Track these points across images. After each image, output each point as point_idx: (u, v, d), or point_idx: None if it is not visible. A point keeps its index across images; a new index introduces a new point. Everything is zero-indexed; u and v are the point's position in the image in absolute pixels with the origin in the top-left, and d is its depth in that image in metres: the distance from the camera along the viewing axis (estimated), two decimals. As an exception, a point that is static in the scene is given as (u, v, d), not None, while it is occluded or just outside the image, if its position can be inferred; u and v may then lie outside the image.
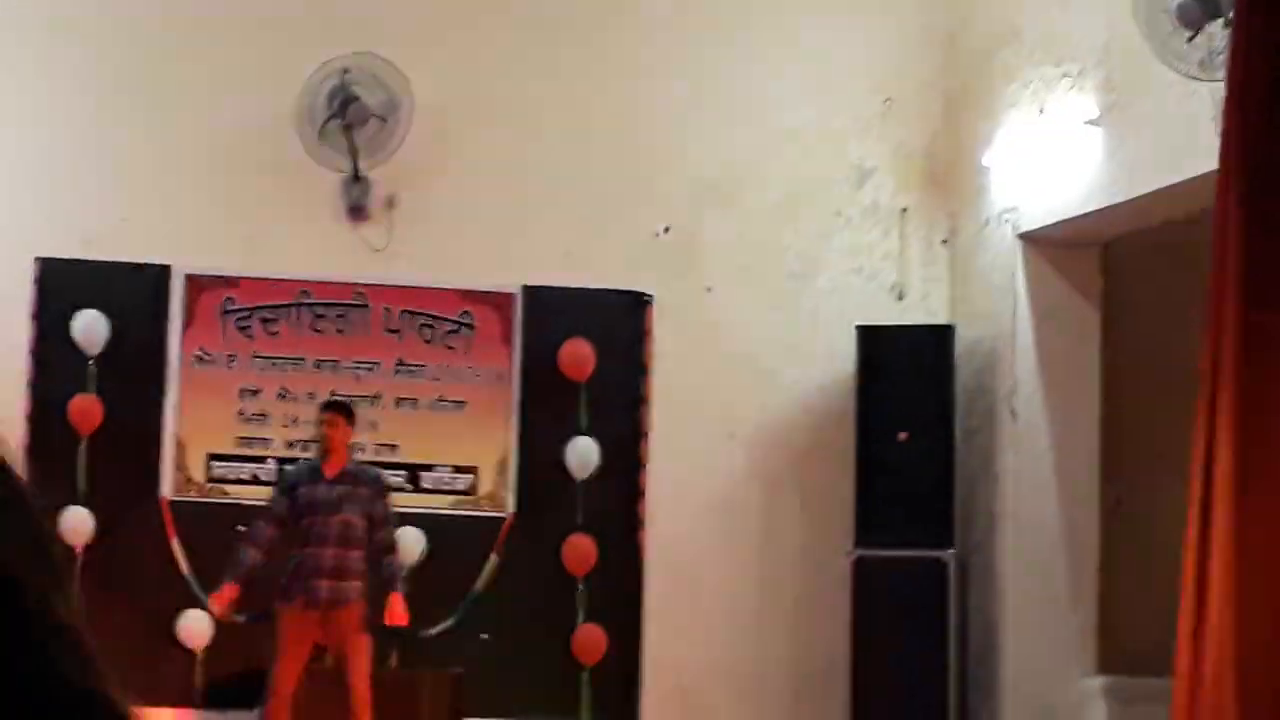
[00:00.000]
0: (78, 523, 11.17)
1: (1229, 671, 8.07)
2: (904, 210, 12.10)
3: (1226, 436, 8.13)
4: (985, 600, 11.29)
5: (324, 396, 11.55)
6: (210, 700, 11.29)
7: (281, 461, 11.41)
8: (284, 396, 11.55)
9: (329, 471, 9.34)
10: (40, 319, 11.39)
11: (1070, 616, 11.16)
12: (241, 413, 11.52)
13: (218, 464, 11.46)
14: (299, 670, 8.92)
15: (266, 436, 11.51)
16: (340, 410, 9.55)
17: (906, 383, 11.31)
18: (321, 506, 9.27)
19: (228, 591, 9.17)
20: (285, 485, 9.54)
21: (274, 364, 11.58)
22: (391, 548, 9.42)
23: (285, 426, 11.52)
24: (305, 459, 10.38)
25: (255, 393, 11.54)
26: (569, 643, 11.55)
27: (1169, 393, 11.45)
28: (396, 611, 9.29)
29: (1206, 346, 8.35)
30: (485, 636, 11.31)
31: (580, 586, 11.59)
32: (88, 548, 11.17)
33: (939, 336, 11.41)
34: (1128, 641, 11.40)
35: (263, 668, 10.94)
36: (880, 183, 12.12)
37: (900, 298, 12.01)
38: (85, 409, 11.29)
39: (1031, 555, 11.13)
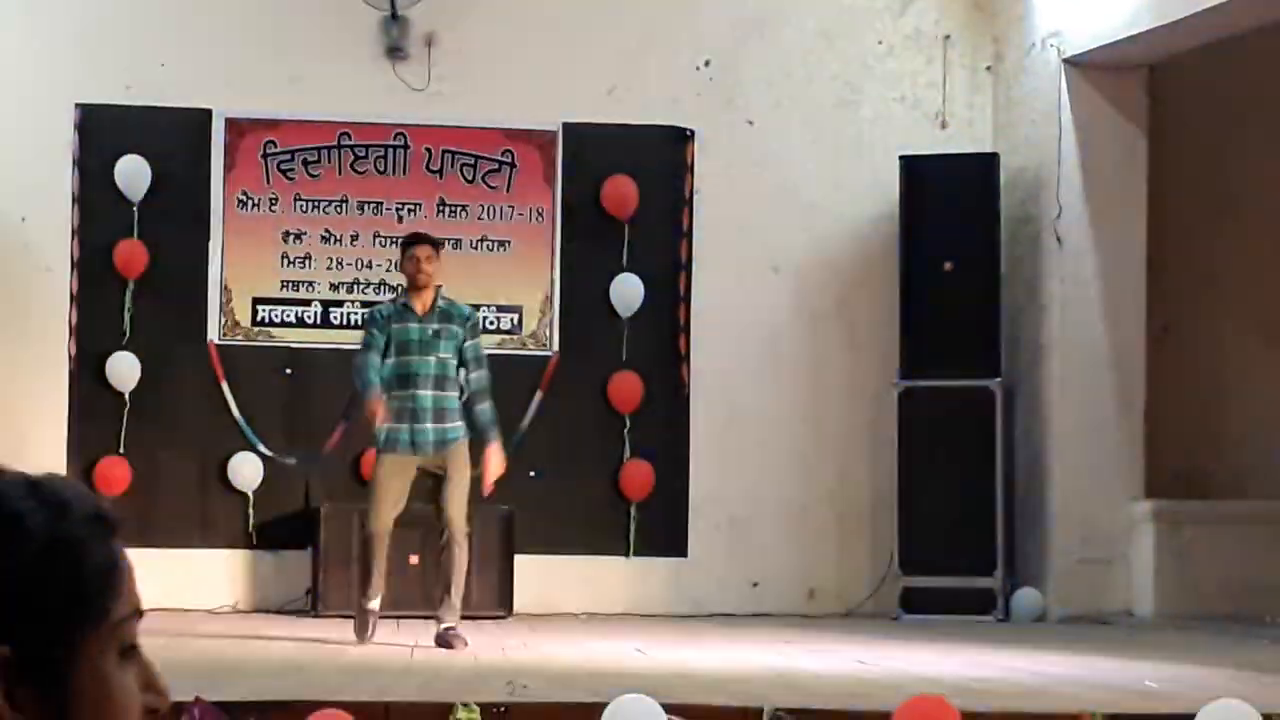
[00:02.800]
0: (125, 367, 11.25)
1: None
2: (947, 37, 11.98)
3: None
4: (1032, 428, 11.29)
5: (366, 238, 11.57)
6: (262, 541, 11.40)
7: (326, 304, 11.46)
8: (327, 239, 11.55)
9: (420, 308, 8.96)
10: (83, 166, 11.41)
11: (1116, 443, 11.16)
12: (285, 256, 11.53)
13: (263, 307, 11.50)
14: (396, 509, 8.79)
15: (311, 279, 11.53)
16: (429, 242, 9.14)
17: (951, 212, 11.24)
18: (416, 346, 8.90)
19: (376, 403, 8.82)
20: (379, 319, 9.09)
21: (316, 206, 11.58)
22: (485, 391, 9.10)
23: (329, 269, 11.54)
24: (390, 299, 9.80)
25: (298, 236, 11.55)
26: (616, 479, 11.61)
27: (1215, 216, 11.39)
28: (493, 464, 9.00)
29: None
30: (534, 474, 11.36)
31: (627, 423, 11.63)
32: (135, 392, 11.25)
33: (983, 164, 11.33)
34: (1174, 466, 11.42)
35: (313, 508, 11.06)
36: (922, 10, 11.99)
37: (944, 126, 11.92)
38: (130, 254, 11.33)
39: (1077, 382, 11.12)
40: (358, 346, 9.40)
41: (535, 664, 7.63)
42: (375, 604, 8.81)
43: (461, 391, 9.09)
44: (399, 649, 8.52)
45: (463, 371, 9.05)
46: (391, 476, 8.80)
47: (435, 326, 8.91)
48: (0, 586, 1.53)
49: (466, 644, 8.56)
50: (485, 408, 8.96)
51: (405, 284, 9.17)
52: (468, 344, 9.00)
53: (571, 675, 7.13)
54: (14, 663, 1.53)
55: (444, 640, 8.63)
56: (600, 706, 5.53)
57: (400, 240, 9.51)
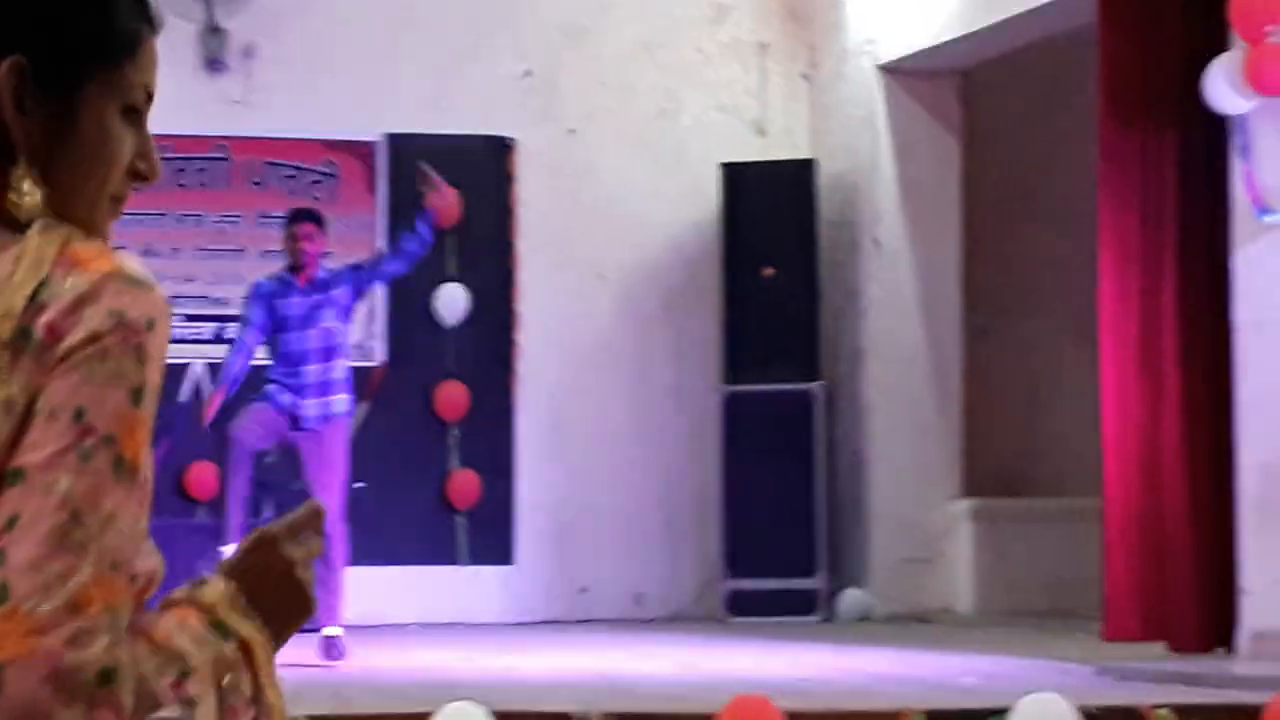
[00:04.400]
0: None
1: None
2: (763, 46, 12.12)
3: (1123, 253, 8.28)
4: (853, 430, 11.47)
5: (187, 252, 11.49)
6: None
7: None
8: (148, 253, 11.45)
9: (301, 282, 8.82)
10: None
11: (936, 443, 11.37)
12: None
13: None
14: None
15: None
16: (314, 219, 9.02)
17: (770, 218, 11.39)
18: (296, 321, 8.79)
19: (215, 399, 8.76)
20: (258, 294, 8.94)
21: (138, 220, 11.47)
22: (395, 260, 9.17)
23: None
24: (272, 276, 9.42)
25: (119, 248, 11.41)
26: (444, 488, 11.63)
27: (1027, 219, 11.64)
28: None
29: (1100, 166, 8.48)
30: (361, 485, 11.33)
31: (453, 432, 11.65)
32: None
33: (801, 171, 11.50)
34: (992, 465, 11.65)
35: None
36: (739, 19, 12.12)
37: (762, 133, 12.07)
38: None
39: (896, 384, 11.31)
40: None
41: (362, 676, 7.65)
42: None
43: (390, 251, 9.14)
44: None
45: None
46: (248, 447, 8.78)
47: (317, 298, 8.84)
48: (45, 10, 1.71)
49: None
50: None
51: (288, 260, 9.07)
52: (362, 276, 9.02)
53: (399, 686, 7.16)
54: (28, 74, 1.69)
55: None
56: (427, 715, 5.57)
57: (286, 217, 9.42)
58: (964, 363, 11.44)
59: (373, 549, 11.25)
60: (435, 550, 11.61)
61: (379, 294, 11.60)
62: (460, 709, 5.59)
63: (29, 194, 1.71)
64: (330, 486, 8.72)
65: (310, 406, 8.74)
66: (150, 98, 1.84)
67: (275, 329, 8.81)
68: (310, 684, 7.14)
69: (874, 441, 11.33)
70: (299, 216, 9.06)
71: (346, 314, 8.98)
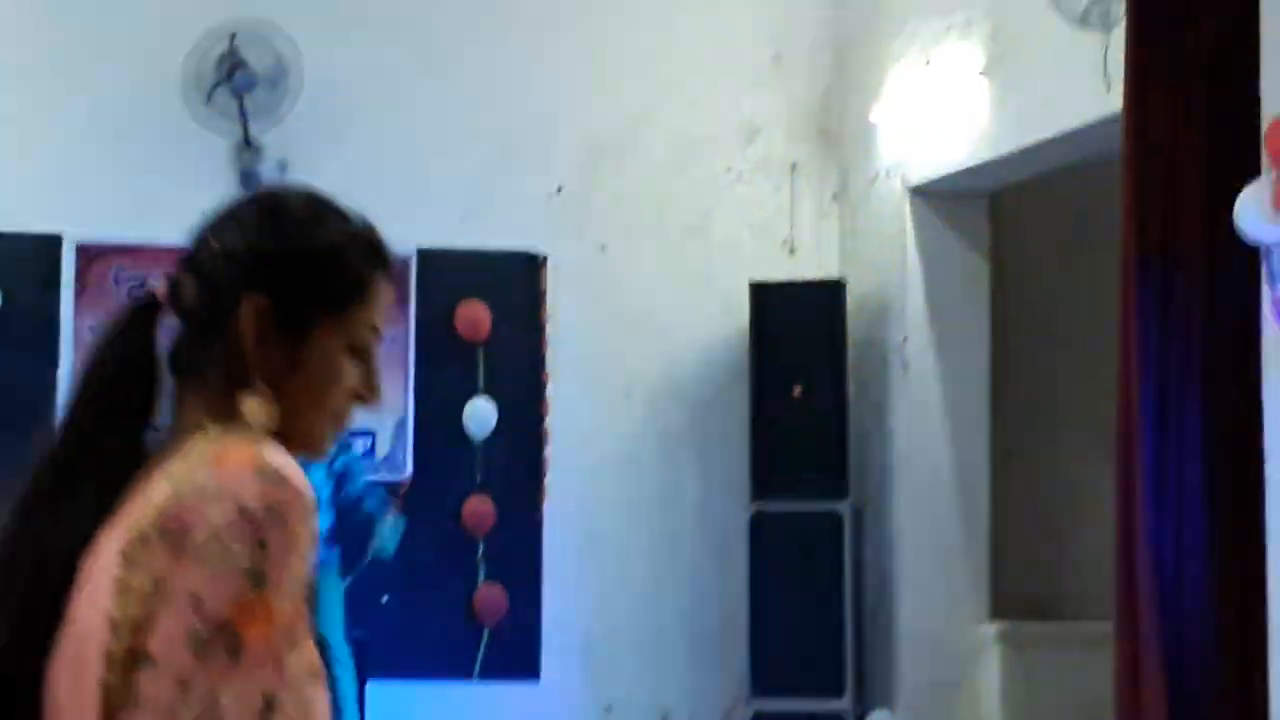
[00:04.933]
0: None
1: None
2: (794, 165, 12.18)
3: (1146, 385, 8.24)
4: (881, 551, 11.42)
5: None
6: None
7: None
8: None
9: None
10: (-70, 290, 11.31)
11: (963, 565, 11.32)
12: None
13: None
14: None
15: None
16: None
17: (800, 338, 11.41)
18: None
19: None
20: None
21: (168, 331, 11.54)
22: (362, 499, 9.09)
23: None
24: None
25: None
26: (470, 603, 11.60)
27: (1057, 344, 11.64)
28: None
29: (1121, 295, 8.45)
30: (386, 599, 11.33)
31: (480, 547, 11.64)
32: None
33: (831, 291, 11.51)
34: (1019, 588, 11.58)
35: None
36: (770, 137, 12.19)
37: (792, 252, 12.10)
38: (-23, 381, 11.21)
39: (925, 506, 11.27)
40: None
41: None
42: None
43: None
44: None
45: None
46: None
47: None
48: (279, 254, 2.05)
49: None
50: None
51: None
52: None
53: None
54: (269, 312, 2.01)
55: None
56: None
57: None
58: (992, 484, 11.40)
59: (397, 663, 11.24)
60: (460, 664, 11.57)
61: (409, 407, 11.63)
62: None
63: (255, 414, 1.98)
64: None
65: None
66: (378, 333, 2.15)
67: None
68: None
69: (902, 563, 11.28)
70: None
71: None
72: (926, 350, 11.31)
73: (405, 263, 11.68)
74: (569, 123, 12.01)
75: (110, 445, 2.00)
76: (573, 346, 11.86)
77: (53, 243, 11.41)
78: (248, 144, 11.60)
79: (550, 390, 11.85)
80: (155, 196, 11.55)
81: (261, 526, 1.81)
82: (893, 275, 11.44)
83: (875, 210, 11.69)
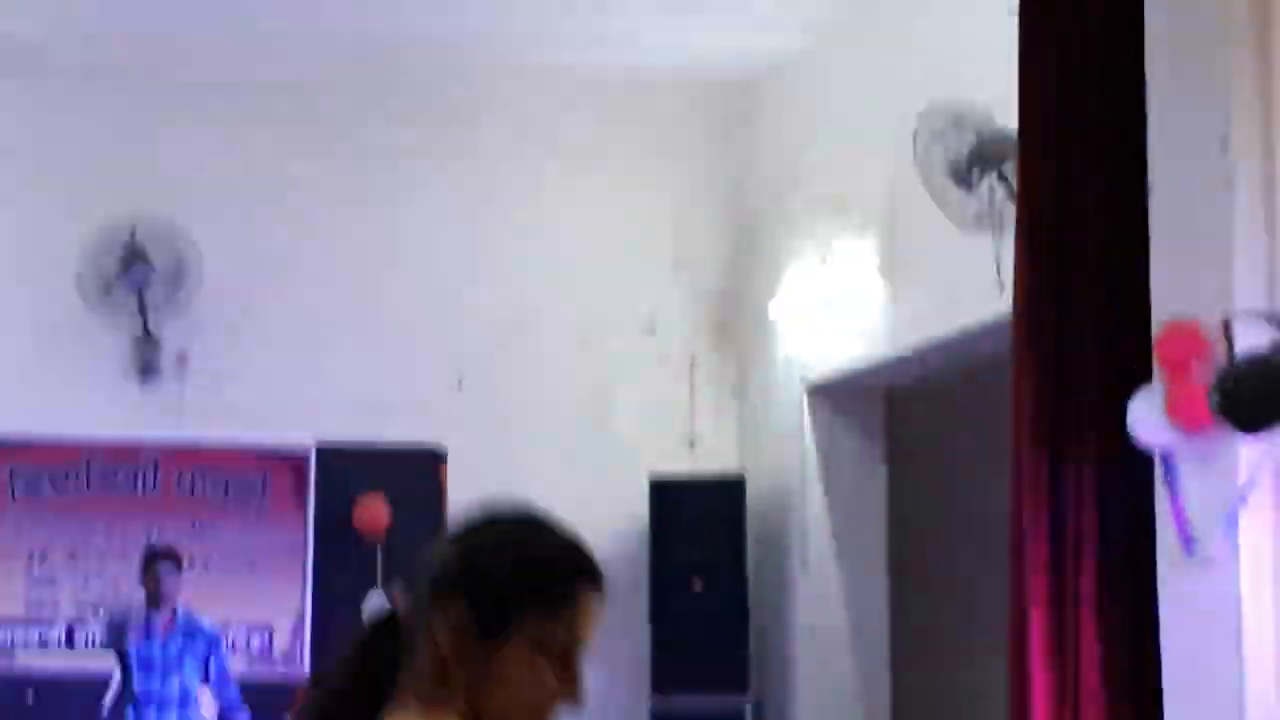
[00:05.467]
0: None
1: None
2: (694, 359, 12.27)
3: (1040, 587, 8.25)
4: (783, 750, 11.37)
5: (113, 557, 11.41)
6: None
7: (70, 626, 11.27)
8: (74, 558, 11.39)
9: (162, 625, 8.74)
10: None
11: (864, 763, 11.27)
12: (30, 576, 11.34)
13: (4, 627, 11.26)
14: None
15: (56, 600, 11.34)
16: (172, 559, 9.00)
17: (699, 533, 11.43)
18: (159, 666, 8.71)
19: None
20: (116, 637, 8.85)
21: (63, 526, 11.43)
22: (238, 706, 8.91)
23: (76, 589, 11.36)
24: (127, 612, 9.74)
25: (44, 556, 11.37)
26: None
27: (955, 537, 11.69)
28: None
29: (1012, 494, 8.48)
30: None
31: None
32: None
33: (730, 487, 11.55)
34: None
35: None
36: (669, 332, 12.28)
37: (692, 446, 12.15)
38: None
39: (825, 702, 11.24)
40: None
41: None
42: None
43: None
44: None
45: (206, 691, 8.89)
46: None
47: (178, 645, 8.76)
48: (485, 565, 2.20)
49: None
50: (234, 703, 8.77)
51: (146, 598, 8.99)
52: (215, 663, 8.85)
53: None
54: (467, 617, 2.16)
55: None
56: None
57: (147, 554, 9.32)
58: (892, 686, 11.39)
59: None
60: None
61: (307, 603, 11.54)
62: None
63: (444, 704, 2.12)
64: None
65: None
66: (581, 643, 2.36)
67: (135, 669, 8.69)
68: None
69: (804, 762, 11.24)
70: (159, 555, 8.99)
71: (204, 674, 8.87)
72: (825, 548, 11.35)
73: (304, 457, 11.67)
74: (469, 312, 12.08)
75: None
76: (473, 540, 11.79)
77: (-53, 438, 11.32)
78: (147, 336, 11.58)
79: (450, 584, 11.77)
80: (51, 391, 11.51)
81: None
82: (791, 471, 11.50)
83: (774, 406, 11.78)
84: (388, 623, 2.39)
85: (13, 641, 11.25)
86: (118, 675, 8.70)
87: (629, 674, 11.68)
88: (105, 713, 8.79)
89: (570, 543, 2.36)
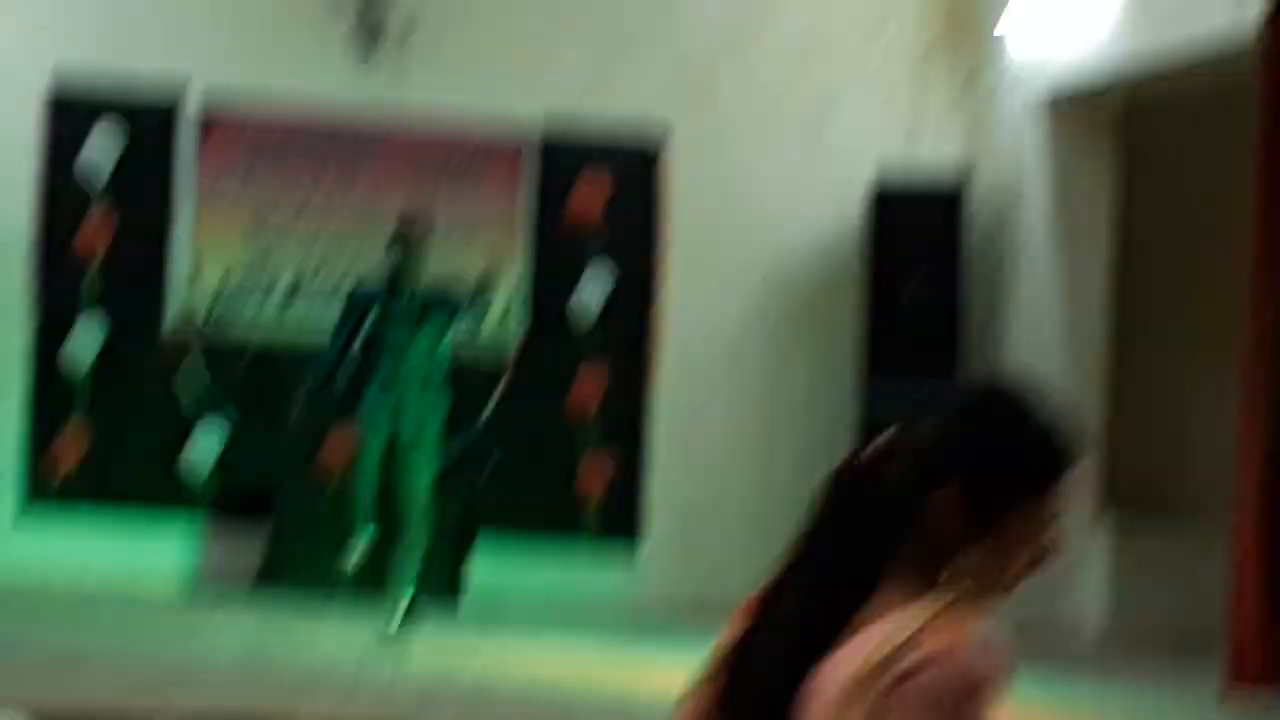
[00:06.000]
0: (85, 347, 11.20)
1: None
2: (921, 62, 12.01)
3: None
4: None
5: (334, 228, 11.54)
6: (219, 521, 11.40)
7: (291, 293, 11.45)
8: (294, 228, 11.53)
9: (403, 297, 8.80)
10: (53, 140, 11.33)
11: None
12: (252, 243, 11.50)
13: (227, 292, 11.45)
14: None
15: (276, 267, 11.50)
16: (421, 230, 9.01)
17: (917, 233, 11.30)
18: (395, 337, 8.77)
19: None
20: (355, 305, 8.96)
21: (286, 194, 11.56)
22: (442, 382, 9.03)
23: (297, 257, 11.51)
24: (371, 284, 9.60)
25: (265, 223, 11.51)
26: (575, 471, 11.64)
27: (1182, 250, 11.46)
28: None
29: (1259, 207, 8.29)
30: (495, 458, 11.35)
31: (590, 414, 11.65)
32: (94, 372, 11.21)
33: (951, 188, 11.36)
34: (1132, 480, 11.47)
35: (267, 486, 11.04)
36: (900, 31, 12.03)
37: (913, 147, 11.95)
38: (96, 232, 11.27)
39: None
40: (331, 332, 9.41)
41: (486, 685, 7.65)
42: None
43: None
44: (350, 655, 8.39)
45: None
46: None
47: (417, 315, 8.82)
48: (983, 448, 2.25)
49: None
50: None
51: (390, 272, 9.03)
52: (451, 328, 8.94)
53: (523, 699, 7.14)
54: (964, 502, 2.21)
55: None
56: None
57: (401, 222, 9.32)
58: (1107, 378, 11.26)
59: (504, 522, 11.33)
60: (565, 531, 11.59)
61: (524, 278, 11.62)
62: None
63: (948, 585, 2.21)
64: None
65: (409, 423, 8.81)
66: (1057, 520, 2.30)
67: (369, 344, 8.83)
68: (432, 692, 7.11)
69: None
70: (411, 228, 9.03)
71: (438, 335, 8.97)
72: (1047, 258, 11.16)
73: (524, 137, 11.63)
74: (697, 10, 11.91)
75: (856, 579, 2.29)
76: (690, 228, 11.78)
77: (175, 98, 11.41)
78: (372, 6, 11.55)
79: (665, 270, 11.80)
80: (278, 56, 11.56)
81: (963, 695, 2.11)
82: (1015, 178, 11.29)
83: (1000, 112, 11.51)
84: (852, 472, 2.38)
85: (234, 311, 11.45)
86: (355, 348, 8.80)
87: (837, 375, 11.69)
88: (337, 383, 8.93)
89: (1062, 424, 2.34)
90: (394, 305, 8.86)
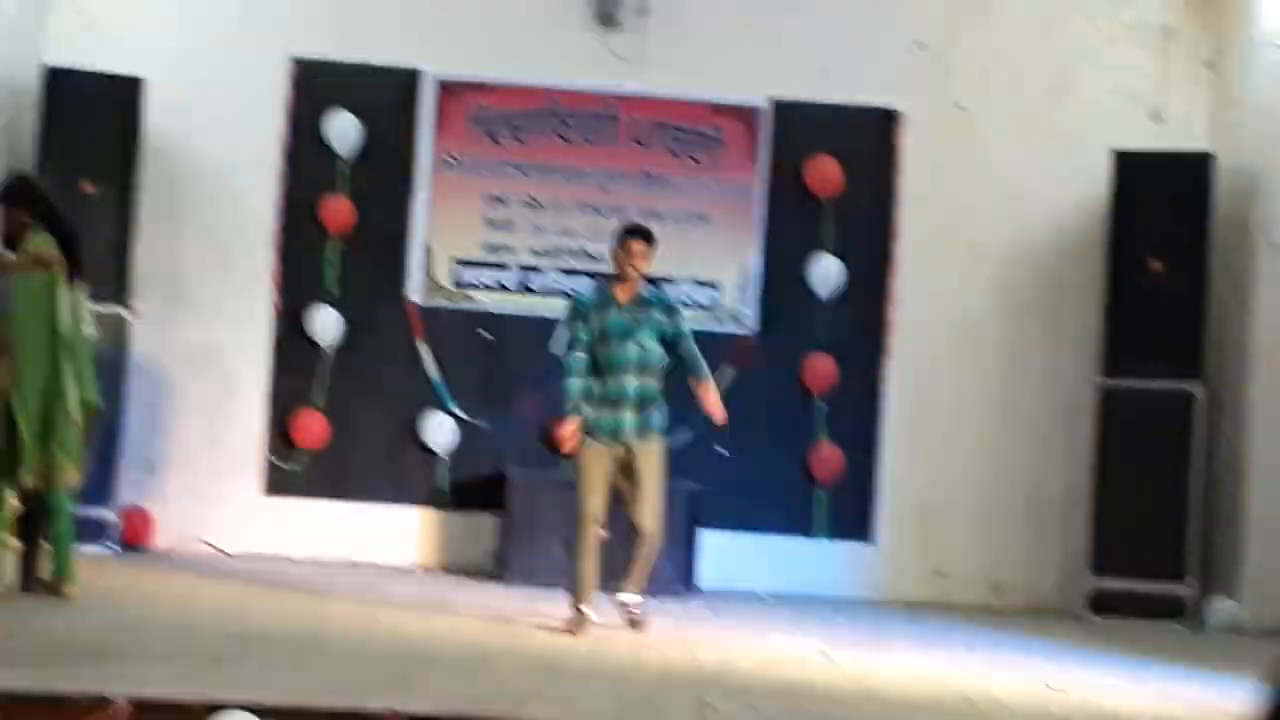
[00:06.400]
0: (326, 321, 11.38)
1: None
2: (1167, 30, 11.73)
3: None
4: (1233, 435, 11.07)
5: (570, 206, 11.57)
6: (452, 502, 11.51)
7: (525, 270, 11.52)
8: (530, 205, 11.59)
9: (622, 297, 8.86)
10: (294, 119, 11.53)
11: (1320, 457, 10.91)
12: (488, 219, 11.59)
13: (463, 269, 11.57)
14: (605, 495, 8.75)
15: (511, 244, 11.58)
16: (645, 237, 9.03)
17: (1162, 210, 11.03)
18: (615, 333, 8.85)
19: (570, 425, 8.79)
20: (581, 311, 9.01)
21: (522, 171, 11.62)
22: (695, 356, 9.00)
23: (531, 235, 11.57)
24: (593, 285, 9.76)
25: (502, 200, 11.60)
26: (806, 461, 11.57)
27: None
28: (710, 399, 8.88)
29: None
30: (724, 452, 11.34)
31: (820, 405, 11.58)
32: (334, 346, 11.39)
33: (1198, 163, 11.07)
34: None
35: (503, 473, 11.12)
36: (1143, 1, 11.76)
37: (1159, 121, 11.68)
38: (336, 209, 11.45)
39: (1281, 396, 10.87)
40: (559, 321, 9.44)
41: (722, 671, 7.61)
42: (591, 612, 8.73)
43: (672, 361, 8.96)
44: (585, 654, 8.36)
45: (665, 354, 8.93)
46: (595, 462, 8.78)
47: (638, 314, 8.87)
48: None
49: (643, 624, 8.75)
50: (697, 366, 8.85)
51: (613, 271, 9.05)
52: (671, 328, 8.91)
53: (760, 687, 7.10)
54: None
55: (629, 618, 8.83)
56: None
57: (619, 230, 9.29)
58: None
59: (732, 516, 11.29)
60: (793, 521, 11.57)
61: (754, 262, 11.58)
62: None
63: None
64: (652, 498, 8.76)
65: (630, 420, 8.77)
66: None
67: (596, 340, 8.84)
68: (672, 678, 7.12)
69: (1254, 448, 10.92)
70: (634, 233, 9.00)
71: (657, 339, 8.92)
72: (1295, 231, 10.87)
73: (759, 114, 11.58)
74: (934, -25, 11.77)
75: None
76: (924, 207, 11.65)
77: (413, 77, 11.53)
78: (609, -16, 11.56)
79: (899, 251, 11.68)
80: (515, 35, 11.61)
81: None
82: (1267, 151, 10.97)
83: (1252, 81, 11.20)
84: None
85: (470, 281, 11.55)
86: (585, 340, 8.80)
87: (1077, 351, 11.49)
88: (567, 373, 8.94)
89: None
90: (613, 300, 8.85)
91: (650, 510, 8.74)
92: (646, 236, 8.97)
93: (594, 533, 8.71)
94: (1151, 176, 11.09)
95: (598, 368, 8.83)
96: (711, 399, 8.81)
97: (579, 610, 8.66)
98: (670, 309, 8.93)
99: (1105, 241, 11.21)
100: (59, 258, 8.19)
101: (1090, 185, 11.43)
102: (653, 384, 8.86)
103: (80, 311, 8.34)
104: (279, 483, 11.46)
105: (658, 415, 8.86)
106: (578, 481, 8.78)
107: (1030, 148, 11.68)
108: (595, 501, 8.71)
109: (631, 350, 8.80)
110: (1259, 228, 11.02)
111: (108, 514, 10.80)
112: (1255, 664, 8.84)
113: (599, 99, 11.61)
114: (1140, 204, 11.09)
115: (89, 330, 8.53)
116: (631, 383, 8.78)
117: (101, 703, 5.47)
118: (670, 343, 8.84)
